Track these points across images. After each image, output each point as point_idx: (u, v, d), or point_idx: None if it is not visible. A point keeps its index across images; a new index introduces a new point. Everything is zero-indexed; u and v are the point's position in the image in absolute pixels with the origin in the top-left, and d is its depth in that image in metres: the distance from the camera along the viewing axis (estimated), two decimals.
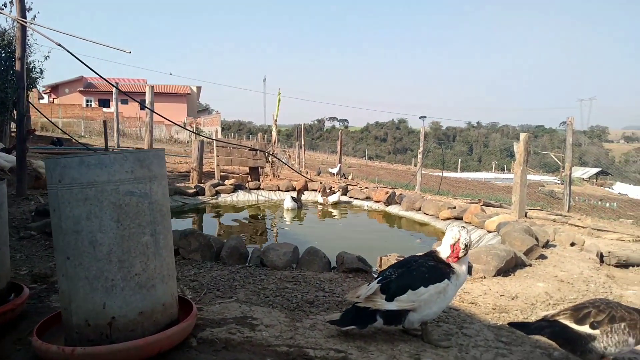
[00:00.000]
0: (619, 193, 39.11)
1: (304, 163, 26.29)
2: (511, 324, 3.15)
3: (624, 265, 7.50)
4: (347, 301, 4.52)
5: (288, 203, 12.12)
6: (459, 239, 3.34)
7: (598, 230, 10.52)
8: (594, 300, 3.08)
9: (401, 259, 5.42)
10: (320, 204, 13.33)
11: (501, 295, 5.01)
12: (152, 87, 18.87)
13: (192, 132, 14.95)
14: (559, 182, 32.43)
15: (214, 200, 13.08)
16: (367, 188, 14.69)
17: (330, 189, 13.72)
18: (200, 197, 12.99)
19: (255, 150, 14.96)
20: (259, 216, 11.54)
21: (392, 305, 3.20)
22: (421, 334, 3.41)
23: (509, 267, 5.94)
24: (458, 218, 9.70)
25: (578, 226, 10.89)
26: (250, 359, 2.81)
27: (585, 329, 2.83)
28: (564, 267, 6.38)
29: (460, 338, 3.50)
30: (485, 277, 5.59)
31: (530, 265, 6.30)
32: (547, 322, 2.96)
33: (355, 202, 13.52)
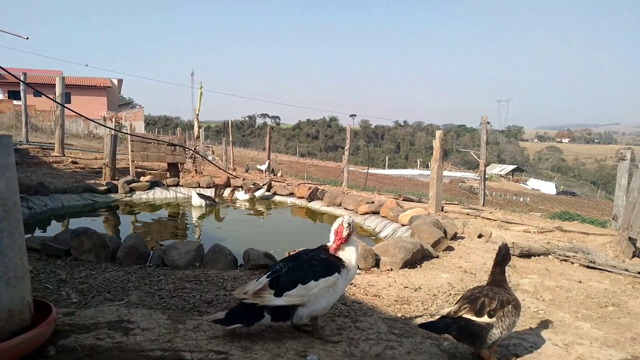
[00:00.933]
0: (532, 188, 41.80)
1: (232, 160, 25.76)
2: (421, 325, 3.06)
3: (526, 255, 7.89)
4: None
5: (195, 200, 11.68)
6: (341, 222, 3.33)
7: (507, 222, 11.08)
8: (479, 288, 3.18)
9: None
10: (246, 200, 13.07)
11: (405, 287, 5.05)
12: (63, 78, 17.71)
13: (104, 126, 14.11)
14: (477, 177, 34.09)
15: (127, 198, 12.43)
16: (290, 184, 14.58)
17: (253, 185, 13.48)
18: (112, 195, 12.30)
19: (174, 145, 14.39)
20: (177, 215, 11.08)
21: (281, 301, 3.07)
22: (311, 330, 3.31)
23: (416, 259, 6.03)
24: (375, 212, 9.82)
25: (489, 219, 11.41)
26: None
27: (485, 319, 2.91)
28: (469, 258, 6.59)
29: (353, 332, 3.44)
30: (392, 270, 5.64)
31: (437, 257, 6.44)
32: (451, 319, 2.96)
33: (279, 198, 13.37)
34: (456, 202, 16.54)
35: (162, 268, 5.16)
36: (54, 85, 17.33)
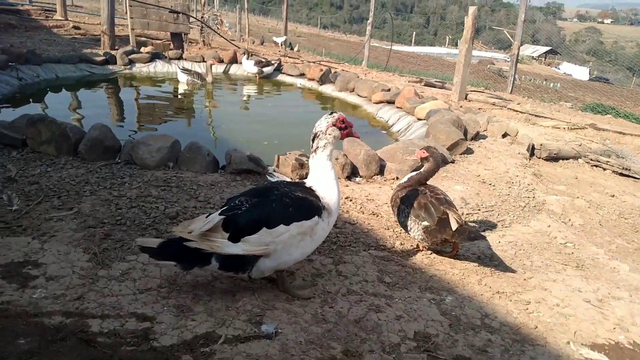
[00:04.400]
0: (564, 73, 39.05)
1: (247, 30, 23.75)
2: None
3: (554, 158, 6.96)
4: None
5: (180, 77, 10.58)
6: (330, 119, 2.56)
7: (536, 116, 9.94)
8: (422, 189, 3.31)
9: (302, 158, 4.49)
10: (253, 74, 11.98)
11: None
12: None
13: None
14: (508, 60, 31.62)
15: (127, 71, 11.42)
16: (301, 63, 13.27)
17: (264, 59, 12.23)
18: (110, 67, 11.29)
19: (177, 12, 12.91)
20: (175, 93, 10.14)
21: (236, 249, 2.32)
22: (276, 280, 2.58)
23: None
24: (390, 102, 8.74)
25: (516, 111, 10.25)
26: None
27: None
28: (490, 164, 5.69)
29: (332, 280, 2.72)
30: (397, 179, 4.80)
31: (452, 162, 5.56)
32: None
33: (288, 79, 12.20)
34: (482, 89, 15.11)
35: (130, 167, 4.41)
36: None
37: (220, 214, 2.39)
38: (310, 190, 2.52)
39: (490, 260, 3.29)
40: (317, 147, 2.54)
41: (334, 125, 2.53)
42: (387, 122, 8.23)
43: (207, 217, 2.43)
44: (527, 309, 2.68)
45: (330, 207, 2.51)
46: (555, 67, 43.78)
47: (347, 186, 4.43)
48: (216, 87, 11.03)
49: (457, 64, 10.96)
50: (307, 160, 4.52)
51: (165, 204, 3.71)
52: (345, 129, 2.58)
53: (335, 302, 2.48)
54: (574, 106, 14.45)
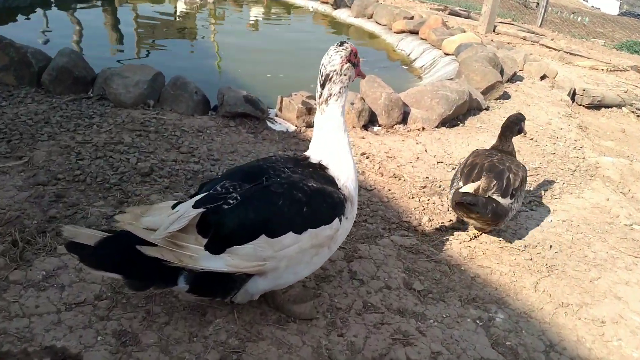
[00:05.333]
0: (592, 6, 36.24)
1: None
2: (456, 201, 2.44)
3: (596, 106, 6.02)
4: (206, 176, 2.87)
5: None
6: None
7: (571, 54, 8.81)
8: (490, 153, 2.74)
9: (311, 102, 3.64)
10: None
11: (439, 162, 3.46)
12: None
13: None
14: None
15: None
16: None
17: None
18: None
19: None
20: (174, 13, 9.00)
21: (219, 263, 1.54)
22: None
23: (459, 113, 4.30)
24: (413, 32, 7.63)
25: (550, 48, 9.09)
26: None
27: (508, 200, 2.49)
28: (529, 112, 4.80)
29: (343, 287, 1.97)
30: (424, 129, 3.97)
31: (487, 109, 4.67)
32: (485, 199, 2.42)
33: (300, 1, 10.91)
34: (509, 20, 13.68)
35: (103, 104, 3.58)
36: None
37: (195, 206, 1.58)
38: (322, 172, 1.74)
39: (544, 250, 2.54)
40: (331, 95, 1.75)
41: (348, 60, 1.74)
42: (408, 55, 7.19)
43: (173, 207, 1.64)
44: (602, 334, 1.98)
45: (350, 193, 1.74)
46: (584, 0, 40.71)
47: (364, 138, 3.61)
48: (220, 7, 9.84)
49: None
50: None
51: (138, 155, 2.94)
52: (357, 66, 1.81)
53: (346, 325, 1.76)
54: (607, 44, 13.08)
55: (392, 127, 3.96)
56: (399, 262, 2.17)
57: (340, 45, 1.76)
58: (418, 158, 3.45)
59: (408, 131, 3.91)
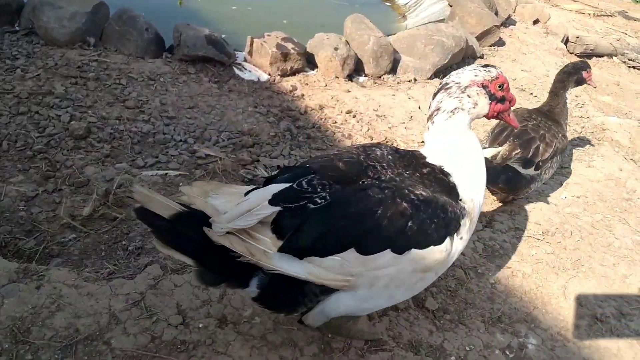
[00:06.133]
0: None
1: None
2: None
3: (588, 55, 5.58)
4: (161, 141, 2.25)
5: None
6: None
7: None
8: (534, 119, 2.40)
9: (287, 45, 3.03)
10: None
11: None
12: None
13: None
14: None
15: None
16: None
17: None
18: None
19: None
20: None
21: (297, 268, 1.22)
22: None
23: (454, 62, 3.76)
24: None
25: None
26: None
27: (530, 171, 2.23)
28: (526, 62, 4.31)
29: None
30: (415, 81, 3.43)
31: (481, 57, 4.14)
32: (501, 168, 2.19)
33: None
34: None
35: (32, 40, 2.86)
36: None
37: (272, 201, 1.21)
38: (441, 176, 1.34)
39: (565, 239, 2.15)
40: (439, 110, 1.38)
41: (483, 86, 1.37)
42: None
43: (246, 194, 1.27)
44: None
45: (473, 208, 1.34)
46: None
47: (349, 92, 3.05)
48: None
49: None
50: (294, 48, 3.06)
51: (72, 111, 2.32)
52: (500, 102, 1.40)
53: None
54: None
55: (380, 77, 3.40)
56: None
57: (483, 67, 1.40)
58: (411, 117, 2.94)
59: (398, 83, 3.37)
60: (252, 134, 2.45)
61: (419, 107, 3.08)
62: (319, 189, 1.25)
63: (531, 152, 2.21)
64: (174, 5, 4.66)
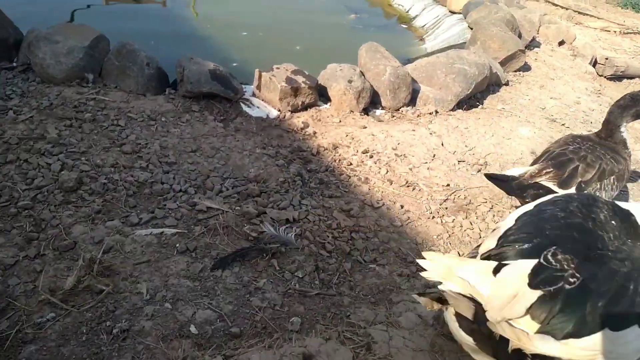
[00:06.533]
0: None
1: None
2: (488, 176, 2.15)
3: (619, 77, 5.27)
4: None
5: None
6: None
7: (580, 13, 7.95)
8: (577, 143, 2.23)
9: (298, 79, 2.81)
10: None
11: (460, 161, 2.70)
12: None
13: None
14: None
15: None
16: None
17: None
18: None
19: None
20: None
21: (557, 350, 1.20)
22: None
23: (478, 91, 3.51)
24: None
25: (557, 5, 8.21)
26: None
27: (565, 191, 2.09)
28: (555, 88, 4.03)
29: None
30: (436, 113, 3.18)
31: (506, 84, 3.88)
32: (527, 183, 2.08)
33: None
34: None
35: (28, 77, 2.69)
36: None
37: (532, 285, 1.19)
38: None
39: None
40: None
41: None
42: (407, 11, 6.24)
43: (495, 269, 1.23)
44: None
45: None
46: None
47: (365, 128, 2.81)
48: None
49: None
50: (305, 82, 2.84)
51: (64, 158, 2.12)
52: None
53: None
54: (609, 0, 12.17)
55: (398, 109, 3.16)
56: None
57: None
58: (434, 156, 2.68)
59: (418, 116, 3.12)
60: (259, 180, 2.22)
61: (442, 144, 2.82)
62: (565, 265, 1.22)
63: (567, 173, 2.09)
64: (184, 30, 4.51)
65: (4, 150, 2.12)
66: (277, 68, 2.89)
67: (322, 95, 3.06)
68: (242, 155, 2.38)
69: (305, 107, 2.92)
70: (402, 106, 3.17)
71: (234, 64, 4.02)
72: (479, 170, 2.65)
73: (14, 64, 2.82)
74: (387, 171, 2.47)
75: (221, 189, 2.13)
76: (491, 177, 2.15)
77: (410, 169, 2.53)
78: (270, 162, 2.37)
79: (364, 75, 3.04)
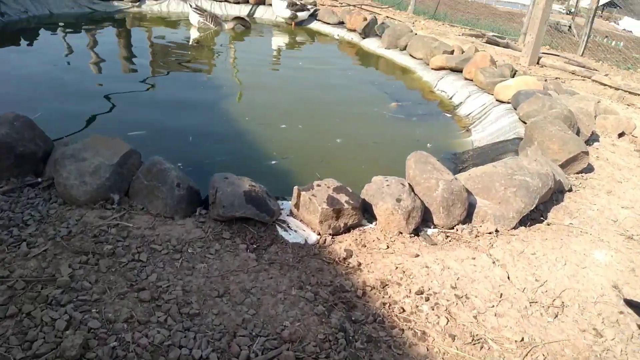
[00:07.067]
0: (624, 29, 34.57)
1: None
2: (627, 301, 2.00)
3: None
4: None
5: (193, 18, 8.36)
6: None
7: (631, 93, 7.55)
8: None
9: (341, 198, 2.50)
10: (283, 19, 9.80)
11: (532, 302, 2.26)
12: None
13: None
14: (564, 11, 27.81)
15: (135, 9, 9.37)
16: (339, 7, 10.80)
17: (299, 2, 9.87)
18: (116, 3, 9.24)
19: None
20: (186, 40, 8.01)
21: None
22: None
23: (542, 202, 3.10)
24: (456, 70, 6.46)
25: (605, 85, 7.85)
26: None
27: None
28: (624, 193, 3.57)
29: None
30: (497, 232, 2.78)
31: (569, 189, 3.46)
32: None
33: (325, 28, 9.87)
34: (547, 48, 12.40)
35: (49, 197, 2.49)
36: None
37: None
38: None
39: None
40: None
41: None
42: (450, 98, 6.02)
43: None
44: None
45: None
46: (614, 22, 39.07)
47: (417, 257, 2.44)
48: (239, 33, 8.85)
49: (531, 20, 8.55)
50: (348, 202, 2.52)
51: (72, 311, 1.81)
52: None
53: None
54: None
55: (452, 228, 2.78)
56: None
57: None
58: (501, 295, 2.26)
59: (476, 236, 2.73)
60: (295, 340, 1.85)
61: (508, 277, 2.40)
62: None
63: None
64: (223, 121, 4.38)
65: (7, 299, 1.84)
66: (318, 185, 2.60)
67: (366, 210, 2.73)
68: (276, 299, 2.03)
69: (348, 229, 2.59)
70: (457, 224, 2.79)
71: (273, 162, 3.81)
72: (556, 316, 2.20)
73: (39, 179, 2.64)
74: (448, 321, 2.06)
75: (249, 355, 1.76)
76: (632, 305, 1.76)
77: (475, 317, 2.11)
78: (308, 309, 2.00)
79: (413, 191, 2.71)
